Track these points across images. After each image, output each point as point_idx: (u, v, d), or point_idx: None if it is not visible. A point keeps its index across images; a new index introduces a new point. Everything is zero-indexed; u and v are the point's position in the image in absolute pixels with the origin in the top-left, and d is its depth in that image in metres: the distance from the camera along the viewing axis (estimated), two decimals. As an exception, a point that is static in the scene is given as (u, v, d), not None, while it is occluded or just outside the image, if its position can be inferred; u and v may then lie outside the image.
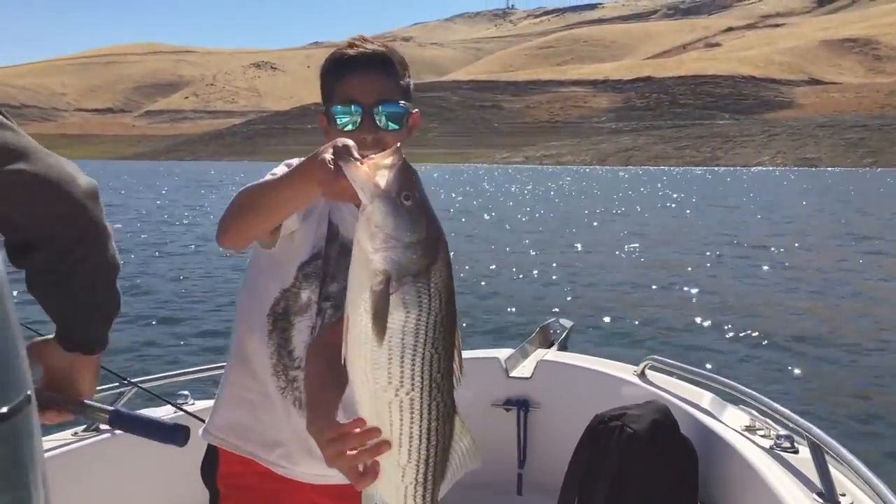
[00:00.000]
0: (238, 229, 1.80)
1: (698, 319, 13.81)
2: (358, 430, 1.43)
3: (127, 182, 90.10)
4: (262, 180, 1.79)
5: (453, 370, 1.42)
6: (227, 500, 2.17)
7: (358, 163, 1.37)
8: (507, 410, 4.21)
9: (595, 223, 35.76)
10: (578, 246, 25.80)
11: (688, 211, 45.39)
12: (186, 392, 3.55)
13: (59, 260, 1.70)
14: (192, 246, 24.35)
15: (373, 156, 1.38)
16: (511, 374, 4.27)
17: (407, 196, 1.35)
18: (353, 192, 1.37)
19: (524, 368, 4.32)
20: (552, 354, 4.47)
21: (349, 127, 2.00)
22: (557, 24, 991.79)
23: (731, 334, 12.73)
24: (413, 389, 1.38)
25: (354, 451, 1.42)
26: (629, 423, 3.26)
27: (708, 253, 23.78)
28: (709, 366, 9.57)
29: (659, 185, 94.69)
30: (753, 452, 3.04)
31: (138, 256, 21.57)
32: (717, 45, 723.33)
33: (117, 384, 3.27)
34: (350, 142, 1.41)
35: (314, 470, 2.11)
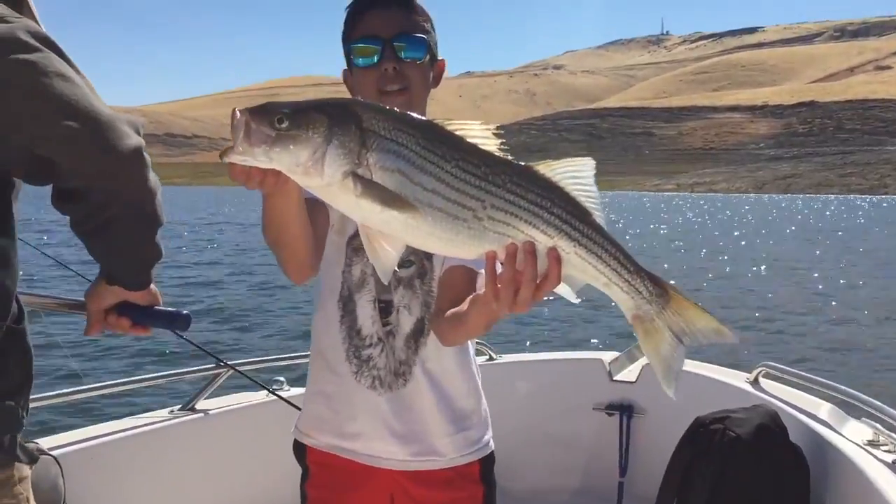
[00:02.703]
0: (288, 265, 1.77)
1: (830, 333, 13.30)
2: (498, 265, 1.35)
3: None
4: None
5: (480, 150, 1.29)
6: (314, 478, 2.14)
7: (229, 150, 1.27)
8: (610, 415, 4.00)
9: (732, 245, 34.37)
10: (720, 264, 25.05)
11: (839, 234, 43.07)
12: (282, 378, 3.57)
13: (94, 215, 1.75)
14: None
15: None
16: (615, 378, 4.06)
17: (279, 119, 1.22)
18: (265, 170, 1.30)
19: (629, 373, 4.10)
20: None
21: (369, 61, 1.93)
22: (714, 49, 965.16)
23: (865, 349, 12.13)
24: (484, 200, 1.27)
25: (518, 284, 1.34)
26: (732, 426, 3.00)
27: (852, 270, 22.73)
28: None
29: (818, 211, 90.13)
30: (874, 467, 2.74)
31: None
32: (888, 67, 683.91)
33: (213, 365, 3.34)
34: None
35: (398, 455, 2.03)
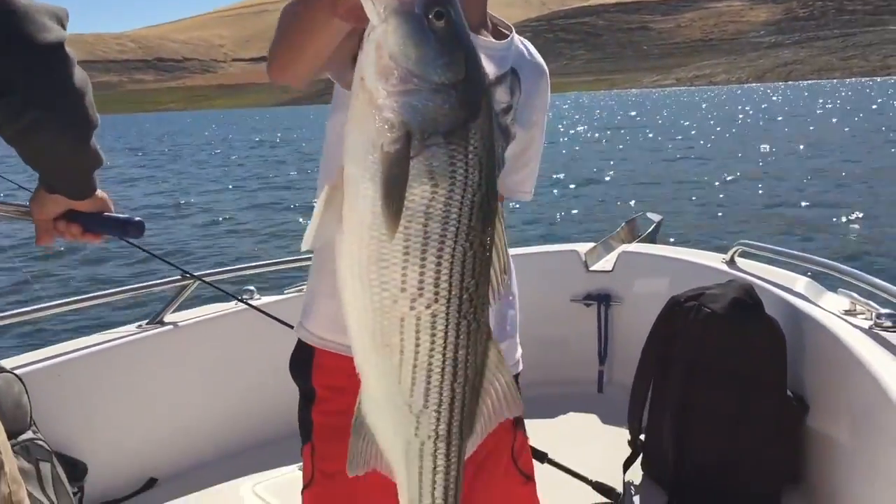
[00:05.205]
0: (283, 61, 1.42)
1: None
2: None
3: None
4: None
5: (491, 276, 1.02)
6: (325, 404, 1.81)
7: None
8: (588, 305, 3.97)
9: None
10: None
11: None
12: (252, 287, 3.52)
13: (14, 118, 1.60)
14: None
15: None
16: (591, 268, 4.02)
17: (439, 14, 0.94)
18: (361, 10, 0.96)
19: (605, 262, 4.06)
20: (635, 246, 4.17)
21: None
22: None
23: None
24: (437, 301, 0.99)
25: None
26: (706, 302, 2.94)
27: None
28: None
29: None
30: (851, 334, 2.69)
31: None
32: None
33: (179, 277, 3.28)
34: None
35: None
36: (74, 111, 1.68)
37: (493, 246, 1.02)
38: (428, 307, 0.99)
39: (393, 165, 0.93)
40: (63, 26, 1.62)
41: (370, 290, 0.99)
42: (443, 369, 1.03)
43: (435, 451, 1.07)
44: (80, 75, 1.66)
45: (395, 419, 1.06)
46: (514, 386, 1.09)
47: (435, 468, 1.09)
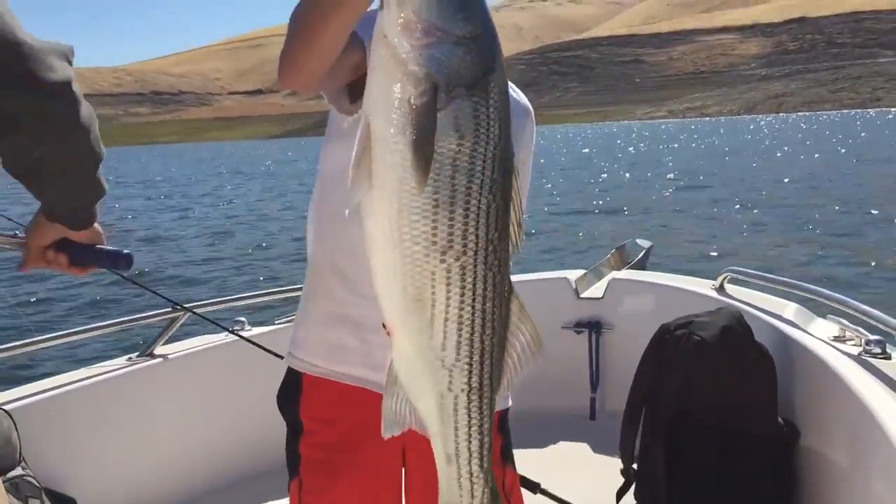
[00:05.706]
0: (295, 60, 1.36)
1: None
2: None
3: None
4: None
5: (510, 228, 1.04)
6: (312, 436, 1.77)
7: None
8: (578, 333, 3.98)
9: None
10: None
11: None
12: (243, 318, 3.51)
13: (22, 155, 1.63)
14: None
15: None
16: (582, 295, 4.03)
17: None
18: None
19: (596, 289, 4.07)
20: (625, 273, 4.19)
21: None
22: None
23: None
24: (465, 253, 1.00)
25: None
26: (696, 330, 2.95)
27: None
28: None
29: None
30: (840, 361, 2.69)
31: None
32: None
33: (170, 309, 3.27)
34: None
35: None
36: (81, 148, 1.70)
37: (513, 198, 1.03)
38: (457, 259, 1.00)
39: (422, 117, 0.94)
40: (70, 63, 1.63)
41: (401, 244, 0.99)
42: (472, 322, 1.03)
43: (469, 403, 1.08)
44: (86, 112, 1.67)
45: (428, 374, 1.06)
46: (537, 335, 1.08)
47: (470, 421, 1.09)
